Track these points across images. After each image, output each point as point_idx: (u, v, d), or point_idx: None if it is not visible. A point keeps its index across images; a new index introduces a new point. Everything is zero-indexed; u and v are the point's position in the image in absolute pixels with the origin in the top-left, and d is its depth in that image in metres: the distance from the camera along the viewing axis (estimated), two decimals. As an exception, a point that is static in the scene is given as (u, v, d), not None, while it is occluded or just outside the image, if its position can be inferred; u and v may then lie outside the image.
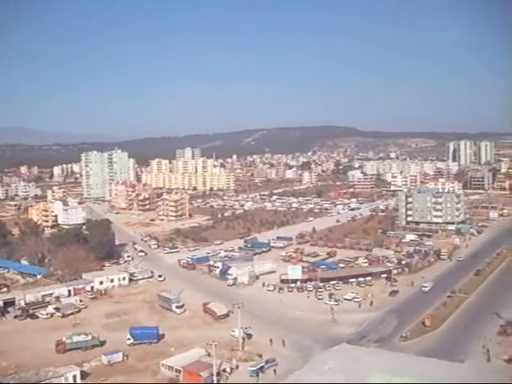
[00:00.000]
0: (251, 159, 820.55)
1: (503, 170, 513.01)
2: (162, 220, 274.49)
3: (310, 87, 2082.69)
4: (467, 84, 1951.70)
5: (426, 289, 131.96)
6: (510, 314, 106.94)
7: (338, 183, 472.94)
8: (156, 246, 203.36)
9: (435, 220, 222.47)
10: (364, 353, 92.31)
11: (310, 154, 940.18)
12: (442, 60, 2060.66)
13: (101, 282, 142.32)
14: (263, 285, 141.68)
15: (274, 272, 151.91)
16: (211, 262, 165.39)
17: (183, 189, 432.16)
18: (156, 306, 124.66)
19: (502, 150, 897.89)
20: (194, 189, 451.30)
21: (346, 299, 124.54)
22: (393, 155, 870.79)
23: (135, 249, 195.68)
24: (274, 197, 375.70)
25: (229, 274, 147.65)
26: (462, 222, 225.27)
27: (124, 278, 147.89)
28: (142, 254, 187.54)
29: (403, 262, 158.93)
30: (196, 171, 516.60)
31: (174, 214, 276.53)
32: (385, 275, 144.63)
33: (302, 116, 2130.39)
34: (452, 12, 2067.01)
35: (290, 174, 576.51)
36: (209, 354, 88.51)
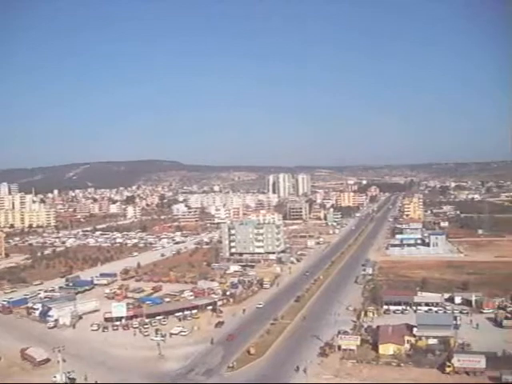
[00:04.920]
0: (73, 194, 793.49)
1: (318, 201, 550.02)
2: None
3: (135, 121, 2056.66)
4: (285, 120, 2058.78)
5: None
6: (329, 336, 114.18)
7: (162, 217, 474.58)
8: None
9: (257, 250, 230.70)
10: None
11: (134, 188, 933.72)
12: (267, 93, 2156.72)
13: None
14: (73, 327, 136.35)
15: (98, 311, 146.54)
16: (30, 304, 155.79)
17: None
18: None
19: (316, 182, 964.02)
20: (11, 226, 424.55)
21: (172, 334, 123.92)
22: (216, 188, 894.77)
23: None
24: (98, 232, 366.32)
25: (49, 316, 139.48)
26: (283, 252, 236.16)
27: None
28: None
29: (228, 293, 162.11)
30: (13, 207, 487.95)
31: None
32: (210, 307, 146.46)
33: (127, 150, 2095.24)
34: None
35: (113, 208, 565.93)
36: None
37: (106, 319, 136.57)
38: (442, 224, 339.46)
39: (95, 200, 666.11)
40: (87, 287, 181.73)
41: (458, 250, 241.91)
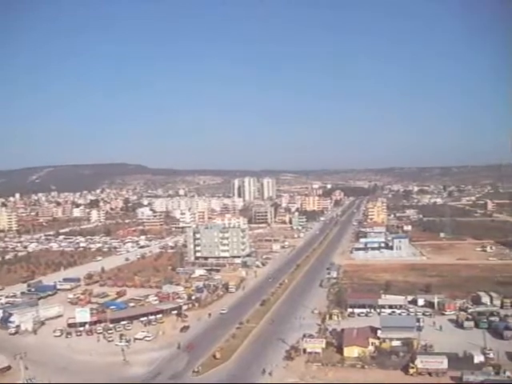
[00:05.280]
0: (36, 198, 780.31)
1: (284, 205, 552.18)
2: None
3: (101, 124, 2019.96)
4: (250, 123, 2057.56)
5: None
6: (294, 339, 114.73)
7: (127, 221, 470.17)
8: None
9: (223, 254, 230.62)
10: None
11: (98, 191, 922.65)
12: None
13: None
14: (35, 333, 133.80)
15: (61, 316, 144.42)
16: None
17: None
18: None
19: (282, 186, 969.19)
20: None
21: (137, 339, 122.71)
22: (181, 192, 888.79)
23: None
24: (61, 237, 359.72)
25: (10, 322, 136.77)
26: (248, 255, 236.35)
27: None
28: None
29: (193, 298, 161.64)
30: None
31: None
32: (175, 311, 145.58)
33: (94, 153, 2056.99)
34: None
35: (77, 212, 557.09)
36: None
37: (70, 325, 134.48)
38: (405, 228, 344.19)
39: (58, 204, 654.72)
40: (50, 292, 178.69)
41: (421, 253, 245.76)
